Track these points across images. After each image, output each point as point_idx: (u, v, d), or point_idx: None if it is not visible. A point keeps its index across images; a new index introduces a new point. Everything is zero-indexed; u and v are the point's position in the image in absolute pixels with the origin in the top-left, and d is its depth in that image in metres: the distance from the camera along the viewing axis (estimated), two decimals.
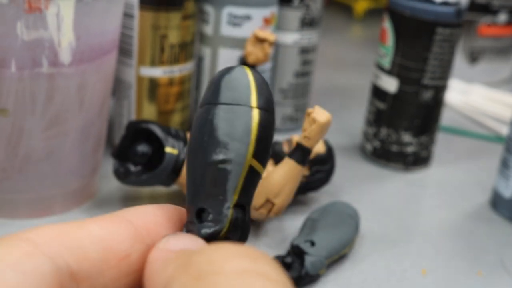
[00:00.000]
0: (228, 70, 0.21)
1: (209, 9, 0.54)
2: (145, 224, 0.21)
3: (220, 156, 0.20)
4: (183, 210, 0.22)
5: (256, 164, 0.21)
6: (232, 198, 0.21)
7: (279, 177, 0.43)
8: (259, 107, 0.20)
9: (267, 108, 0.21)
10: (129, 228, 0.20)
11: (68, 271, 0.18)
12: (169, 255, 0.20)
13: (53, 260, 0.18)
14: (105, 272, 0.19)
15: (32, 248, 0.18)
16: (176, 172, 0.45)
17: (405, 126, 0.57)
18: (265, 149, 0.21)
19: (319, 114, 0.42)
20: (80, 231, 0.19)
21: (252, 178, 0.21)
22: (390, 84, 0.57)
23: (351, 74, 0.83)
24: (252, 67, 0.53)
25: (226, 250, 0.18)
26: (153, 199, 0.50)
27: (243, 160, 0.20)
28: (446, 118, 0.73)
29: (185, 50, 0.54)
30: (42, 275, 0.17)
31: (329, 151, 0.50)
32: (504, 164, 0.52)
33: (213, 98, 0.21)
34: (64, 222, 0.20)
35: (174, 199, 0.50)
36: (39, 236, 0.18)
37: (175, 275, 0.18)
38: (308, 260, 0.41)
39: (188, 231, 0.21)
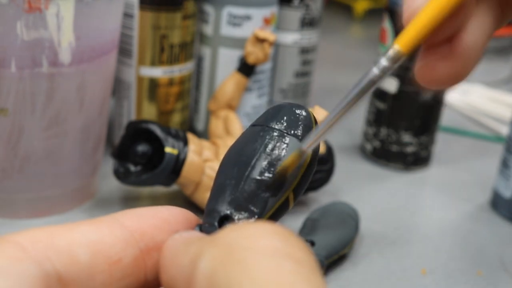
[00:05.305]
0: (298, 106, 0.23)
1: (209, 9, 0.54)
2: (140, 227, 0.20)
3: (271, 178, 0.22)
4: (186, 213, 0.21)
5: (291, 197, 0.22)
6: (263, 218, 0.22)
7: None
8: (312, 150, 0.23)
9: (315, 152, 0.23)
10: (121, 231, 0.20)
11: (55, 276, 0.18)
12: (188, 239, 0.19)
13: (40, 264, 0.18)
14: (95, 277, 0.19)
15: (20, 252, 0.17)
16: (176, 172, 0.45)
17: (405, 126, 0.57)
18: (303, 186, 0.23)
19: (319, 113, 0.42)
20: (69, 234, 0.19)
21: (283, 207, 0.22)
22: (390, 84, 0.57)
23: (351, 74, 0.83)
24: (252, 67, 0.53)
25: (259, 227, 0.18)
26: (153, 199, 0.50)
27: (286, 190, 0.22)
28: (446, 118, 0.73)
29: (185, 50, 0.54)
30: (29, 280, 0.17)
31: (329, 151, 0.50)
32: (504, 164, 0.52)
33: (283, 126, 0.23)
34: (55, 225, 0.19)
35: (174, 199, 0.50)
36: (26, 239, 0.18)
37: (203, 249, 0.17)
38: None
39: (204, 232, 0.21)
